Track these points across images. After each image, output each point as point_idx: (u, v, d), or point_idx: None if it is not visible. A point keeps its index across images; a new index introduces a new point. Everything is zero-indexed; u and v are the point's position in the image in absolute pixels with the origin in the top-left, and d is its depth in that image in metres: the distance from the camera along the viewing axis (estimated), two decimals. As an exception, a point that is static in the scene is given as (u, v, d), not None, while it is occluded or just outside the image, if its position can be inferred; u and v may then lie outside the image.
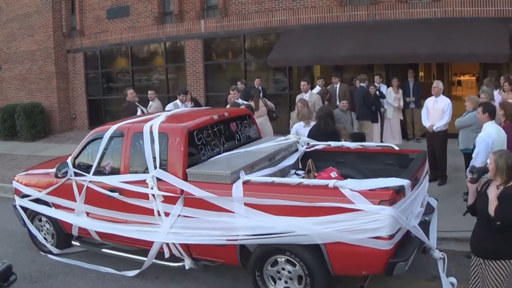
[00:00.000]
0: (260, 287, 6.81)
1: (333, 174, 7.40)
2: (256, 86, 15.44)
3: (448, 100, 11.24)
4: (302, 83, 13.75)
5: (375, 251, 5.89)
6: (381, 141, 14.72)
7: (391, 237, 5.83)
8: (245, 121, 8.62)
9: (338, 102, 13.77)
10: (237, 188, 6.57)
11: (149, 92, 15.29)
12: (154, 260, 7.57)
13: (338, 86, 14.75)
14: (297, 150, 8.42)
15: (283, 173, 7.97)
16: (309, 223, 6.10)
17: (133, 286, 7.73)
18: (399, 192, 5.91)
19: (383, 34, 15.75)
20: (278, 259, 6.61)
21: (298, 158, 8.36)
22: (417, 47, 14.80)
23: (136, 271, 7.83)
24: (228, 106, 11.54)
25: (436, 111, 11.29)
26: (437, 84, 11.47)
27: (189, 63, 20.08)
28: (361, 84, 14.17)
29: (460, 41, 14.36)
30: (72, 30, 23.31)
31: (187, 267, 7.40)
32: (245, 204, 6.50)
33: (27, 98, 23.65)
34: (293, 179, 6.67)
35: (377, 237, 5.82)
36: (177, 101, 13.15)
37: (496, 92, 11.59)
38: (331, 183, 6.13)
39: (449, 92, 18.28)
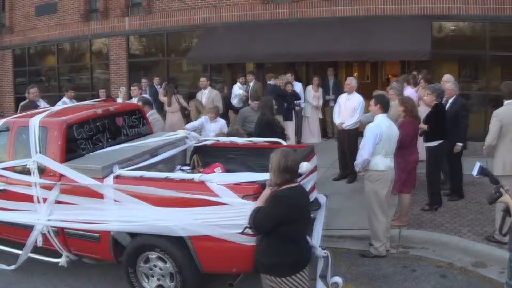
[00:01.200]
0: (134, 284, 6.41)
1: (218, 170, 7.03)
2: (155, 85, 14.95)
3: (360, 98, 10.79)
4: (201, 79, 13.37)
5: (241, 247, 5.50)
6: (299, 140, 14.42)
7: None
8: (133, 116, 8.13)
9: (250, 101, 13.41)
10: (108, 182, 6.24)
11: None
12: (30, 254, 7.13)
13: (252, 84, 14.33)
14: (185, 145, 7.96)
15: (170, 168, 7.59)
16: (172, 214, 5.77)
17: (19, 282, 7.23)
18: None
19: (305, 32, 15.36)
20: (150, 256, 6.21)
21: (185, 153, 8.02)
22: (338, 45, 14.47)
23: (14, 266, 7.33)
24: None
25: (347, 109, 10.84)
26: (350, 81, 10.99)
27: (113, 60, 19.41)
28: (269, 82, 13.75)
29: (382, 39, 14.09)
30: (1, 27, 22.33)
31: (60, 264, 6.91)
32: (116, 197, 6.18)
33: (-46, 95, 22.57)
34: (160, 173, 6.23)
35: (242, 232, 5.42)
36: (64, 98, 12.67)
37: (411, 89, 11.38)
38: (196, 177, 5.77)
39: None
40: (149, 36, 19.08)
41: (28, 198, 6.86)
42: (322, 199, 7.26)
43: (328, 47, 14.52)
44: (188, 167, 7.54)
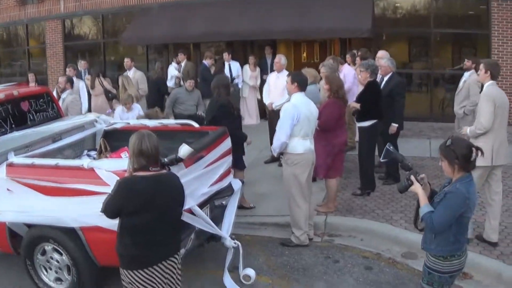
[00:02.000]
0: (33, 277, 5.98)
1: (124, 154, 6.58)
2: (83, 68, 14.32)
3: None
4: (125, 59, 12.90)
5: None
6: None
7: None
8: (41, 100, 7.60)
9: (182, 82, 12.86)
10: (1, 170, 5.78)
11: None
12: None
13: (183, 64, 13.81)
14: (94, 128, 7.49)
15: (78, 154, 7.16)
16: (64, 205, 5.32)
17: None
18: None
19: (241, 11, 14.84)
20: (46, 247, 5.77)
21: (94, 137, 7.54)
22: (274, 23, 13.97)
23: None
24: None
25: (277, 88, 10.23)
26: (279, 59, 10.50)
27: (50, 44, 18.65)
28: (204, 61, 13.27)
29: (320, 16, 13.61)
30: None
31: None
32: (8, 187, 5.70)
33: None
34: (51, 160, 5.75)
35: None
36: None
37: (348, 67, 11.02)
38: (85, 163, 5.33)
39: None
40: (85, 19, 18.35)
41: None
42: (237, 184, 6.83)
43: (264, 25, 14.06)
44: (95, 152, 7.04)
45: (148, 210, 3.89)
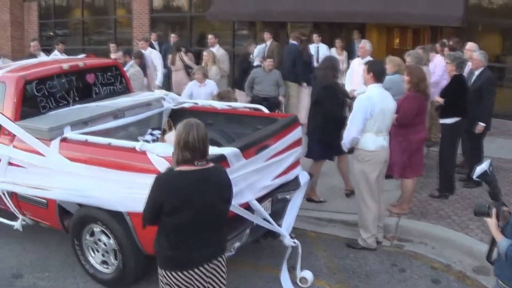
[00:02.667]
0: (80, 257, 5.90)
1: None
2: (173, 41, 14.21)
3: None
4: (209, 36, 12.59)
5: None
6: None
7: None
8: (109, 73, 7.45)
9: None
10: (54, 145, 5.67)
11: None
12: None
13: (268, 43, 13.41)
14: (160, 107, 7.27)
15: (142, 132, 6.96)
16: (112, 187, 5.13)
17: None
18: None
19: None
20: (94, 229, 5.64)
21: (161, 116, 7.31)
22: (362, 5, 13.30)
23: None
24: None
25: (359, 75, 9.31)
26: (364, 44, 10.02)
27: (136, 15, 18.73)
28: (292, 41, 12.80)
29: (411, 1, 12.84)
30: (26, -23, 21.89)
31: (15, 227, 6.42)
32: (59, 163, 5.59)
33: (-16, 45, 22.40)
34: (104, 139, 5.54)
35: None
36: (55, 51, 12.42)
37: (440, 57, 10.17)
38: (138, 145, 5.09)
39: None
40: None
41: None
42: (304, 177, 6.43)
43: (352, 7, 13.39)
44: (159, 132, 6.83)
45: (188, 209, 3.56)
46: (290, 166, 6.13)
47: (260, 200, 5.55)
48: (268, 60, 11.35)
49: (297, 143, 6.30)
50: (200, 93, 9.21)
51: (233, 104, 7.39)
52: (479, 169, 3.66)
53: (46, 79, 6.56)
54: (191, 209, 3.56)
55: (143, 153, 5.01)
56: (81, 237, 5.76)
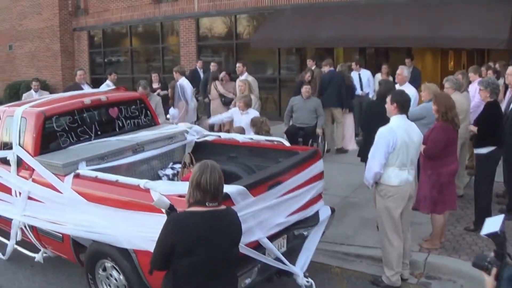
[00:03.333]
0: None
1: None
2: (212, 70, 14.40)
3: (413, 90, 9.47)
4: (237, 64, 12.72)
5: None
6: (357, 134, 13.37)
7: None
8: (133, 107, 7.61)
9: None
10: (68, 180, 5.83)
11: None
12: (16, 246, 6.96)
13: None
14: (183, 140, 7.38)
15: (164, 166, 7.08)
16: (119, 224, 5.23)
17: (5, 272, 7.15)
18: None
19: (374, 16, 14.34)
20: (106, 264, 5.70)
21: (184, 149, 7.40)
22: (407, 29, 13.38)
23: (5, 256, 7.18)
24: None
25: None
26: (401, 71, 9.85)
27: (183, 43, 19.19)
28: (330, 68, 12.75)
29: (453, 24, 12.83)
30: (78, 8, 22.84)
31: (36, 259, 6.61)
32: (72, 199, 5.74)
33: (35, 75, 23.17)
34: (112, 176, 5.61)
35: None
36: (108, 81, 12.74)
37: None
38: (142, 183, 5.13)
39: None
40: (217, 18, 18.66)
41: (8, 190, 6.62)
42: (325, 213, 6.30)
43: (396, 31, 13.40)
44: (179, 165, 6.91)
45: (199, 249, 3.55)
46: (309, 202, 6.03)
47: (274, 237, 5.49)
48: (305, 86, 11.32)
49: (317, 177, 6.18)
50: (242, 121, 9.24)
51: (254, 136, 7.37)
52: (489, 226, 3.44)
53: (66, 114, 6.77)
54: (202, 249, 3.55)
55: (147, 190, 5.05)
56: (94, 271, 5.83)
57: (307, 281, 5.61)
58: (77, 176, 5.81)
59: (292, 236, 5.87)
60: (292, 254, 5.76)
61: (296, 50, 16.95)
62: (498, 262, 3.35)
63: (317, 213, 6.21)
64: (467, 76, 9.75)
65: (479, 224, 7.24)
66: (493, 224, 3.43)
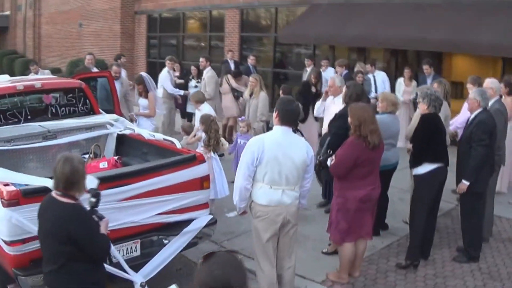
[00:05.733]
0: None
1: (104, 164, 6.70)
2: (228, 60, 14.51)
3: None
4: (200, 59, 13.23)
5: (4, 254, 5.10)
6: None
7: (13, 243, 4.94)
8: (70, 95, 7.96)
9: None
10: None
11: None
12: None
13: (309, 70, 13.36)
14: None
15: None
16: None
17: None
18: (28, 194, 4.94)
19: (404, 16, 13.68)
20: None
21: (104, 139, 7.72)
22: (432, 32, 12.59)
23: None
24: None
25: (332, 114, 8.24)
26: (333, 82, 8.83)
27: (228, 33, 19.43)
28: (345, 70, 12.52)
29: (487, 29, 11.93)
30: (139, -9, 23.63)
31: None
32: None
33: (98, 54, 24.25)
34: None
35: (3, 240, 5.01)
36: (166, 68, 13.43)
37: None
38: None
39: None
40: (260, 10, 18.76)
41: None
42: (198, 223, 6.14)
43: (420, 34, 12.75)
44: (85, 156, 7.19)
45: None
46: (179, 208, 6.01)
47: (123, 239, 5.59)
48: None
49: (194, 184, 6.12)
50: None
51: (157, 134, 7.40)
52: None
53: (-2, 97, 7.26)
54: (40, 235, 4.35)
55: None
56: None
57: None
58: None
59: (149, 242, 5.92)
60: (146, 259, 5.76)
61: (330, 46, 16.69)
62: None
63: (186, 222, 6.11)
64: (444, 85, 8.98)
65: (411, 258, 6.82)
66: None
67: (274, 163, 5.29)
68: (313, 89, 11.18)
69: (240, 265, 2.62)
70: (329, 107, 8.71)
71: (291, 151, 5.37)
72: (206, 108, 9.39)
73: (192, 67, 14.07)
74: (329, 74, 12.59)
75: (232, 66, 15.00)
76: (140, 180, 5.67)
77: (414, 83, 13.06)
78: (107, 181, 5.40)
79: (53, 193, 4.20)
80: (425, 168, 6.68)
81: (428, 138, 6.69)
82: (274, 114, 5.47)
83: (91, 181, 4.46)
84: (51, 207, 4.17)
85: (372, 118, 6.10)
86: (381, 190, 6.51)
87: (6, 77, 8.45)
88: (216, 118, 8.57)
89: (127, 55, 22.75)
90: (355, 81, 10.89)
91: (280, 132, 5.41)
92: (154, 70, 22.49)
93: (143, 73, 11.30)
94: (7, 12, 36.91)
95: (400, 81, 13.19)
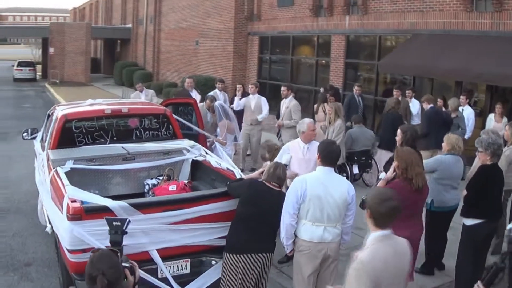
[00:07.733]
0: None
1: (173, 187, 7.42)
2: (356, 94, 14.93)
3: None
4: (282, 88, 13.18)
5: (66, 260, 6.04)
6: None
7: (73, 251, 5.79)
8: (154, 120, 8.84)
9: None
10: (52, 173, 7.06)
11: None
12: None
13: (412, 101, 13.55)
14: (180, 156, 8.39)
15: (151, 176, 8.26)
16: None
17: None
18: (89, 211, 5.77)
19: (498, 48, 13.51)
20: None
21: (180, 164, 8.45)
22: None
23: None
24: None
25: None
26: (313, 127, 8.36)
27: (333, 59, 19.94)
28: (430, 105, 12.67)
29: None
30: (251, 14, 24.80)
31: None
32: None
33: (212, 72, 25.68)
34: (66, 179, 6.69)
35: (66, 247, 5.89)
36: (216, 90, 13.90)
37: None
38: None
39: None
40: (364, 37, 19.14)
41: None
42: None
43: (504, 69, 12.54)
44: (159, 178, 7.98)
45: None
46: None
47: (174, 257, 6.26)
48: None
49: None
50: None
51: (223, 163, 7.88)
52: None
53: (85, 119, 8.29)
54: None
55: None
56: None
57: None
58: (56, 171, 7.03)
59: (199, 261, 6.50)
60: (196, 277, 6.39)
61: (428, 79, 16.73)
62: None
63: None
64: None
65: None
66: None
67: (316, 201, 5.60)
68: None
69: (114, 262, 3.48)
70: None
71: (333, 190, 5.65)
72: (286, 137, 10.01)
73: (238, 85, 14.26)
74: (414, 105, 12.88)
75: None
76: (191, 206, 6.33)
77: (505, 119, 12.82)
78: (161, 205, 6.23)
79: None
80: (471, 220, 6.79)
81: (480, 191, 6.73)
82: (316, 156, 5.87)
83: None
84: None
85: (418, 161, 6.29)
86: (440, 231, 6.72)
87: (89, 101, 9.32)
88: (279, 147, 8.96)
89: (238, 75, 23.95)
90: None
91: (322, 172, 5.75)
92: (262, 90, 23.52)
93: (217, 103, 11.57)
94: (129, 25, 39.46)
95: (491, 117, 12.88)
